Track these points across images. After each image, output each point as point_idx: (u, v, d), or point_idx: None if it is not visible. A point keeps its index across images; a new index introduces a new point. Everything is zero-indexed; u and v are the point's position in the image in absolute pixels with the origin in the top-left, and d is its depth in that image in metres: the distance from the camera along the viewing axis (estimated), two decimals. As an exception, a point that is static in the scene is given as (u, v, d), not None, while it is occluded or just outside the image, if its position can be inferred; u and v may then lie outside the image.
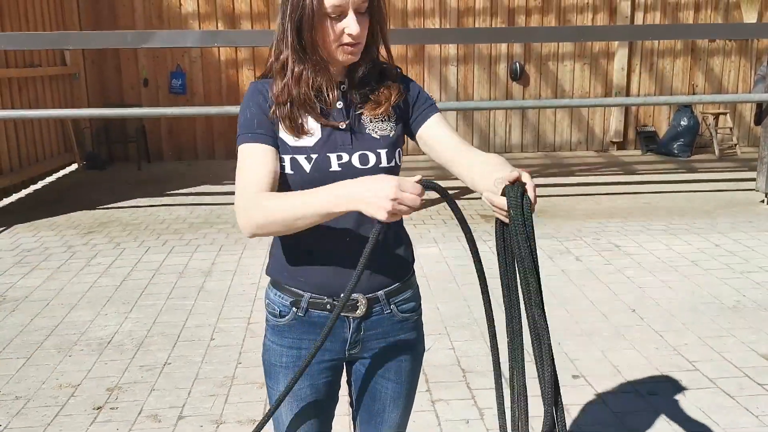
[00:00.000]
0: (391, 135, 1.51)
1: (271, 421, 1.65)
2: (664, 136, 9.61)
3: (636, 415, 2.92)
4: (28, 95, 7.73)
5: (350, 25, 1.39)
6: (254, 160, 1.43)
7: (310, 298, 1.53)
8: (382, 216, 1.23)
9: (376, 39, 1.49)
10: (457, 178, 1.53)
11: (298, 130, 1.46)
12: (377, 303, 1.54)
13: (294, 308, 1.54)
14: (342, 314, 1.52)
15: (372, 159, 1.48)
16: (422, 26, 9.25)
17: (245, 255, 5.23)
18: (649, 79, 9.76)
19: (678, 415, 2.91)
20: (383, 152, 1.49)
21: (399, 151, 1.54)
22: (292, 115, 1.46)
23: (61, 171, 8.71)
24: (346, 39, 1.41)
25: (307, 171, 1.46)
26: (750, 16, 9.23)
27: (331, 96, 1.47)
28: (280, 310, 1.57)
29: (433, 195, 1.34)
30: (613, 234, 5.67)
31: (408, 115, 1.57)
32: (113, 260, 5.15)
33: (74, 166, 8.91)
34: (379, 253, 1.50)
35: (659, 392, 3.11)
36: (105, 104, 9.07)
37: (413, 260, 1.63)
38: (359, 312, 1.53)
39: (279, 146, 1.46)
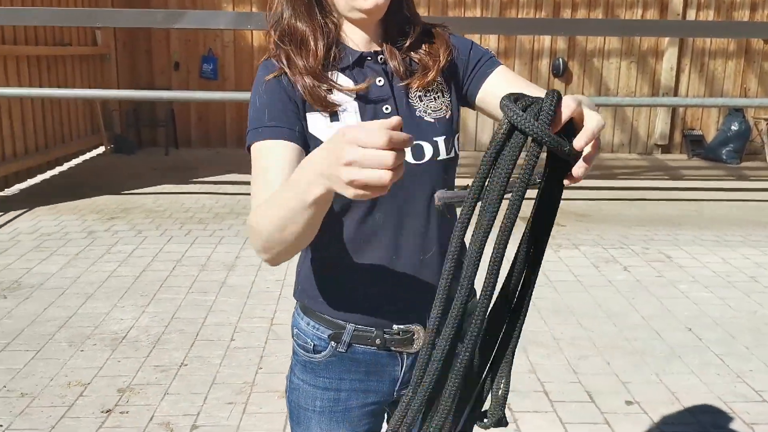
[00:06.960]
0: (447, 116, 1.19)
1: None
2: (712, 141, 9.15)
3: (701, 452, 2.60)
4: (57, 74, 7.57)
5: None
6: (267, 163, 1.08)
7: (354, 330, 1.22)
8: (348, 194, 0.78)
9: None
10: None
11: (326, 103, 1.12)
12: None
13: (333, 342, 1.23)
14: (394, 349, 1.22)
15: (428, 151, 1.16)
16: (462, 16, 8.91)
17: (271, 249, 4.98)
18: (699, 81, 9.29)
19: (749, 455, 2.58)
20: (440, 140, 1.17)
21: (457, 137, 1.22)
22: (314, 85, 1.11)
23: (87, 153, 8.55)
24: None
25: None
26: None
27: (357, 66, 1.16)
28: (314, 344, 1.25)
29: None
30: (663, 243, 5.30)
31: (461, 79, 1.23)
32: (134, 249, 4.93)
33: (101, 149, 8.75)
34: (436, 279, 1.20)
35: (723, 425, 2.78)
36: (135, 87, 8.90)
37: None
38: (415, 347, 1.22)
39: (308, 143, 1.12)
